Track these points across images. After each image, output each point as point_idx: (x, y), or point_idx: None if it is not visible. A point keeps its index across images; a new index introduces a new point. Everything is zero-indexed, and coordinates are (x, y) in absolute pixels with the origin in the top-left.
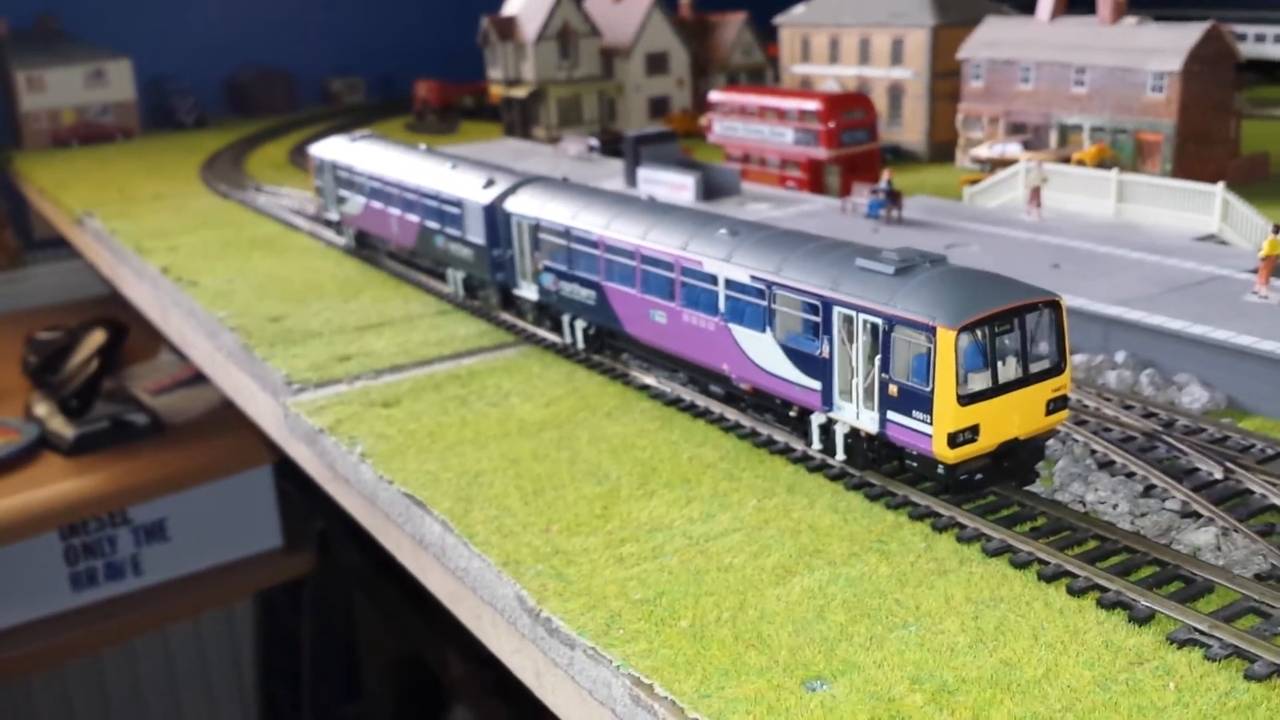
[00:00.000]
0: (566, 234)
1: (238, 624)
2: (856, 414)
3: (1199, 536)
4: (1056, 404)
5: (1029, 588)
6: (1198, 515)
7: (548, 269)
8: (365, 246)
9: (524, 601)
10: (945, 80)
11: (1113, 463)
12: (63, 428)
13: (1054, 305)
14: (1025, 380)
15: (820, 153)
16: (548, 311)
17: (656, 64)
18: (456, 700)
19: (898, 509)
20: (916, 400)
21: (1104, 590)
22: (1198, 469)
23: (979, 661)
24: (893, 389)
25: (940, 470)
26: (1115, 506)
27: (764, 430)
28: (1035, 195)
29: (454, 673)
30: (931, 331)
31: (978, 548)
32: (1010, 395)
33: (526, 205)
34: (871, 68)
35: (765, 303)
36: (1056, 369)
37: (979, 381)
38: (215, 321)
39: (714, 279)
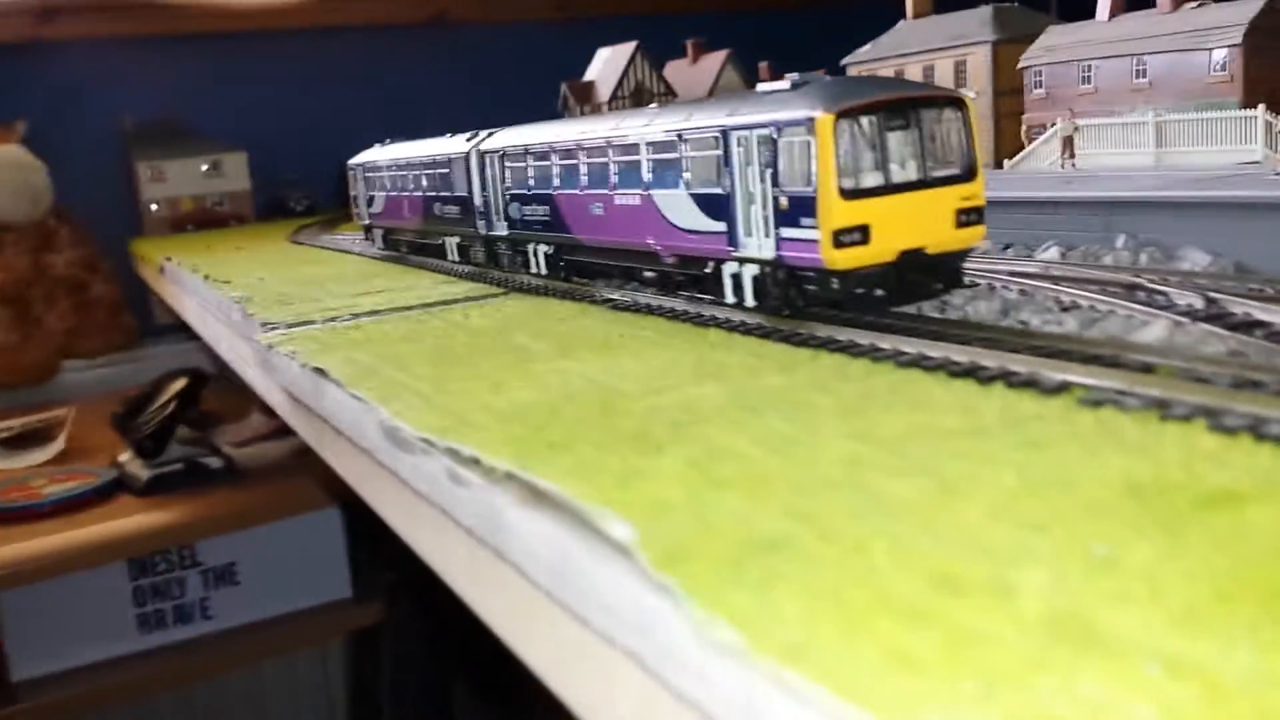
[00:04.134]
0: (526, 153)
1: (300, 675)
2: (759, 246)
3: (1147, 333)
4: (969, 217)
5: (936, 384)
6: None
7: (513, 197)
8: (392, 246)
9: (383, 423)
10: (1009, 98)
11: (1079, 306)
12: (138, 469)
13: (958, 102)
14: (925, 183)
15: None
16: (518, 247)
17: None
18: None
19: (819, 347)
20: (803, 206)
21: (1014, 374)
22: (1175, 303)
23: (840, 428)
24: (783, 202)
25: (835, 284)
26: (1061, 324)
27: (707, 312)
28: (1068, 145)
29: None
30: (811, 124)
31: (891, 364)
32: (906, 197)
33: (499, 141)
34: None
35: (677, 154)
36: (966, 175)
37: (866, 178)
38: (223, 299)
39: (637, 148)
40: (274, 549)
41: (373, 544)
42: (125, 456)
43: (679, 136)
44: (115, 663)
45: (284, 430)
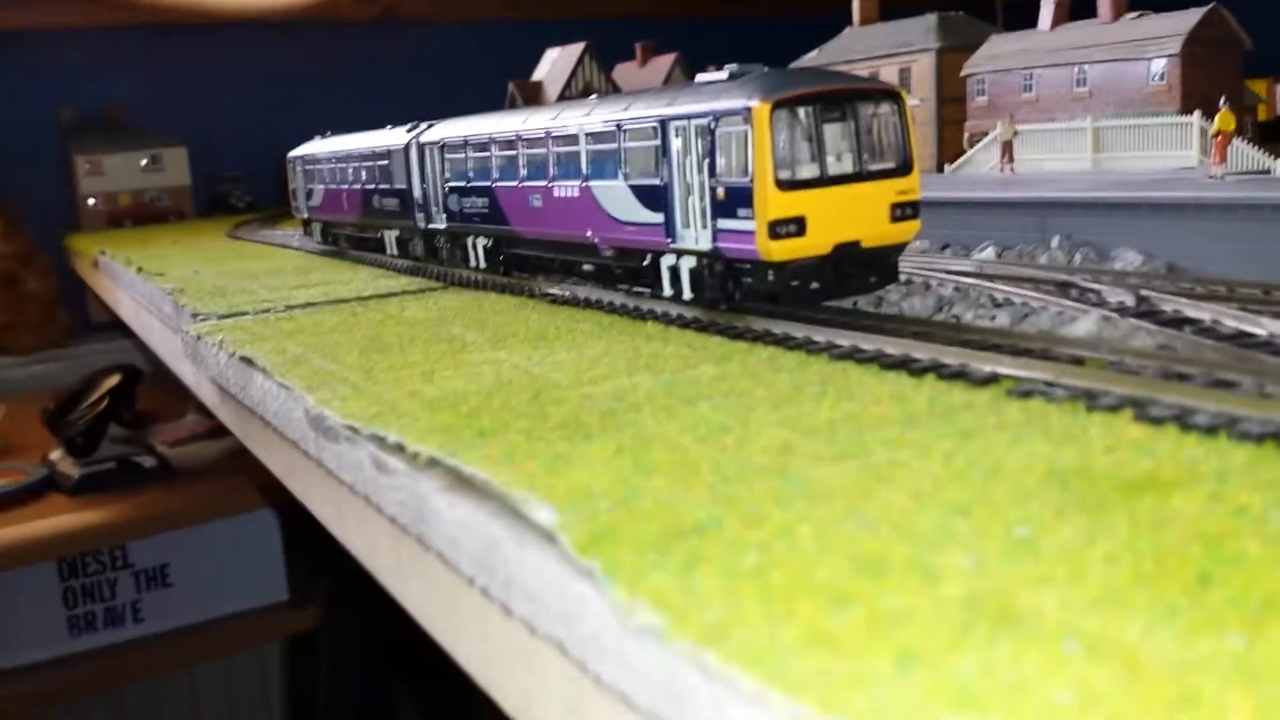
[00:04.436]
0: (465, 145)
1: (237, 679)
2: (696, 238)
3: (1078, 328)
4: (904, 211)
5: (868, 375)
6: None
7: (452, 189)
8: (330, 240)
9: (309, 411)
10: (952, 105)
11: (1012, 302)
12: (69, 468)
13: (894, 96)
14: (861, 176)
15: None
16: (458, 241)
17: None
18: None
19: (754, 340)
20: (740, 197)
21: (945, 367)
22: (1107, 300)
23: (771, 416)
24: (720, 192)
25: (771, 276)
26: (994, 318)
27: (645, 305)
28: (1007, 150)
29: None
30: (747, 113)
31: (825, 356)
32: (843, 189)
33: (437, 133)
34: None
35: (616, 145)
36: (901, 169)
37: (803, 169)
38: (156, 291)
39: (576, 139)
40: (208, 551)
41: (311, 547)
42: (56, 454)
43: (617, 127)
44: (44, 666)
45: (220, 430)
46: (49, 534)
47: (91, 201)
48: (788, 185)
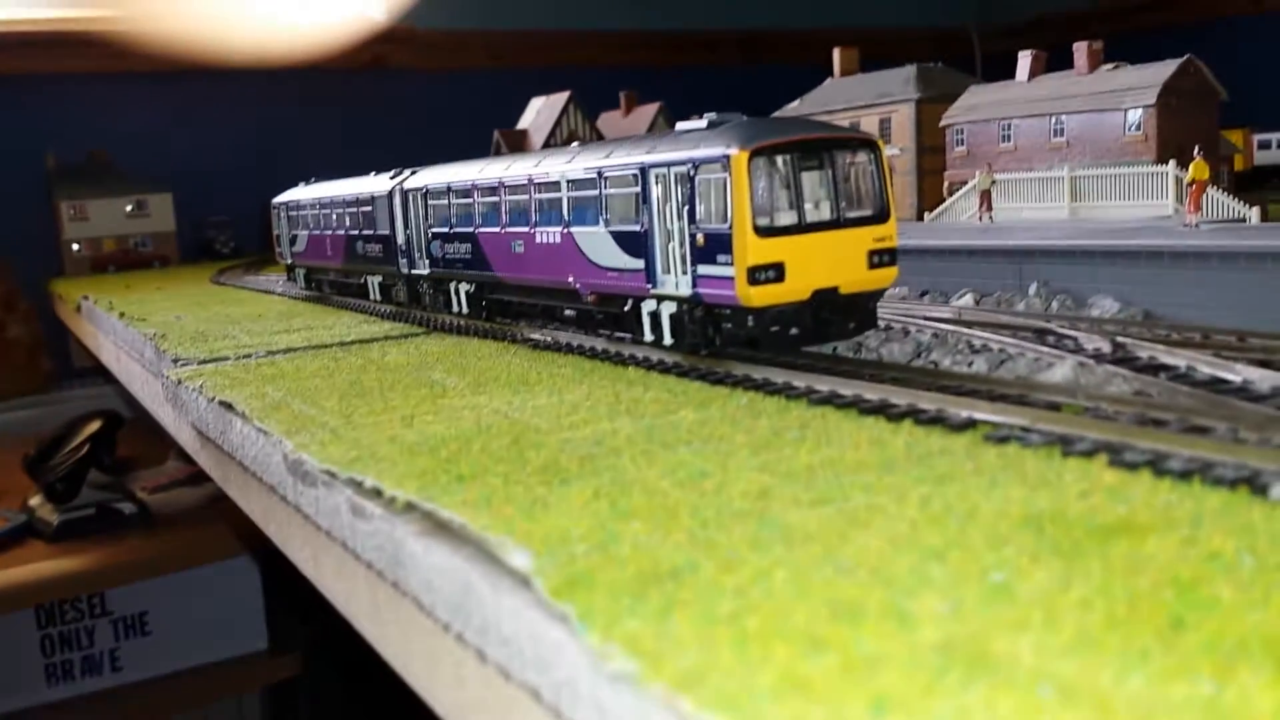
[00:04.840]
0: (448, 191)
1: None
2: (676, 284)
3: (1054, 374)
4: (881, 258)
5: (846, 420)
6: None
7: (435, 235)
8: (314, 286)
9: (287, 456)
10: (932, 155)
11: (990, 349)
12: (49, 514)
13: (871, 145)
14: (839, 223)
15: None
16: (441, 286)
17: None
18: None
19: (734, 385)
20: (720, 243)
21: (923, 412)
22: (1083, 347)
23: (750, 461)
24: (700, 239)
25: (750, 322)
26: (971, 364)
27: (626, 351)
28: (985, 199)
29: None
30: (726, 161)
31: (805, 401)
32: (821, 236)
33: (420, 180)
34: None
35: (597, 191)
36: (878, 216)
37: (781, 216)
38: (137, 336)
39: (558, 185)
40: (187, 598)
41: (291, 594)
42: (36, 500)
43: (599, 174)
44: (20, 716)
45: (201, 475)
46: (27, 581)
47: (76, 247)
48: (766, 232)
